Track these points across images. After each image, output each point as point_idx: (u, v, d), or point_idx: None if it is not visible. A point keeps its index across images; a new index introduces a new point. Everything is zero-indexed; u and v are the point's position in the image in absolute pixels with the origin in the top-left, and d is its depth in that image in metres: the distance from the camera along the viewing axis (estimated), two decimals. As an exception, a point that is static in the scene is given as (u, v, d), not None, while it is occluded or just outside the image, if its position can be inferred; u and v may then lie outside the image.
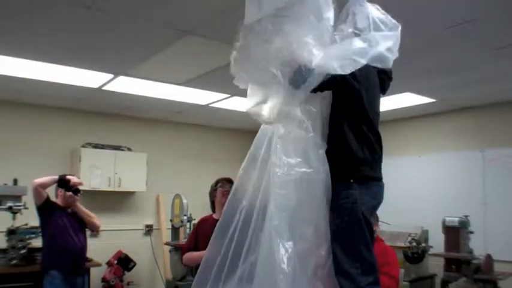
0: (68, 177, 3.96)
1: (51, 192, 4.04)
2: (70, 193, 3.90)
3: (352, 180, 1.78)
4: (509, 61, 3.88)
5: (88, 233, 4.18)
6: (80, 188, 4.03)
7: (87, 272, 4.21)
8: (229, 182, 3.29)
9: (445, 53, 3.67)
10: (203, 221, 3.36)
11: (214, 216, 3.30)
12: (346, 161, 1.80)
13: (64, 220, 3.90)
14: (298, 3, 1.75)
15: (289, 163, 1.72)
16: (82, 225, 4.05)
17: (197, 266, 3.13)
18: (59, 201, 3.99)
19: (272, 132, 1.83)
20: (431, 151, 6.04)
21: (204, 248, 2.99)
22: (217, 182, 3.33)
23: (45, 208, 3.86)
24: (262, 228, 1.73)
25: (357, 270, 1.73)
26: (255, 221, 1.77)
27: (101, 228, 4.10)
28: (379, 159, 1.90)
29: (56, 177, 3.91)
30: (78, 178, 4.12)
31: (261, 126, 1.96)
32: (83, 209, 4.06)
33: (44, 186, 3.84)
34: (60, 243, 3.84)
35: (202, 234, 3.16)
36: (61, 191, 3.96)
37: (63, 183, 3.91)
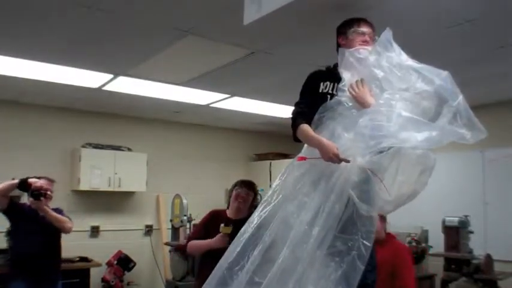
0: (30, 180, 3.59)
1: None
2: (31, 198, 3.58)
3: None
4: (510, 61, 3.88)
5: (88, 233, 4.11)
6: (45, 192, 3.63)
7: (61, 278, 3.92)
8: (246, 186, 3.32)
9: (445, 53, 3.67)
10: (217, 214, 3.33)
11: (228, 213, 3.31)
12: None
13: (34, 224, 3.65)
14: None
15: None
16: (53, 229, 3.72)
17: (197, 262, 3.14)
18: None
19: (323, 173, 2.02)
20: (431, 151, 6.03)
21: None
22: (236, 184, 3.35)
23: (11, 213, 3.65)
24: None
25: (367, 267, 1.89)
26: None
27: (100, 228, 4.05)
28: None
29: (16, 181, 3.57)
30: (46, 181, 3.73)
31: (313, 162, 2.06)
32: (51, 213, 3.66)
33: (3, 193, 3.56)
34: (26, 250, 3.62)
35: (214, 227, 3.13)
36: None
37: (23, 187, 3.57)
